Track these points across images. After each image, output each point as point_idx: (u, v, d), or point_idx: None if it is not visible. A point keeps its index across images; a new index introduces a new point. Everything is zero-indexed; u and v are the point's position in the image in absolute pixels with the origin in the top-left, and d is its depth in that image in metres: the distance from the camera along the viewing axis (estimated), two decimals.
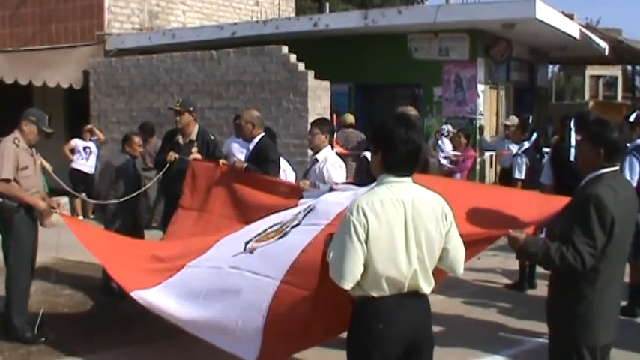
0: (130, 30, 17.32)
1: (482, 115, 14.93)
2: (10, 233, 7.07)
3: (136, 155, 9.29)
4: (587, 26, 21.75)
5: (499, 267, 9.97)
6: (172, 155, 8.58)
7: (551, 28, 14.47)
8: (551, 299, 4.49)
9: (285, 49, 12.70)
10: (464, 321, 7.86)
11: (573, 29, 16.08)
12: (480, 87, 14.81)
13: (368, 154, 4.89)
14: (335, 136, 9.90)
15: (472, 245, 4.38)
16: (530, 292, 9.01)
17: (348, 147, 12.48)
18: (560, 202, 4.98)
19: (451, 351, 6.51)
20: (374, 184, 3.80)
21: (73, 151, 14.96)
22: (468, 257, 3.97)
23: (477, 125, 14.64)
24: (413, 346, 3.70)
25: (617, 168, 4.39)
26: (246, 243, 6.02)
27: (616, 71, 35.03)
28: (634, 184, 7.16)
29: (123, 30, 17.16)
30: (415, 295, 3.69)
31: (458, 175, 13.34)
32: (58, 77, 15.16)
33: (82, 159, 14.94)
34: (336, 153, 7.93)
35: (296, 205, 6.50)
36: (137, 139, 9.31)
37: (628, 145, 7.53)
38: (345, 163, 7.74)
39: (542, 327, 4.85)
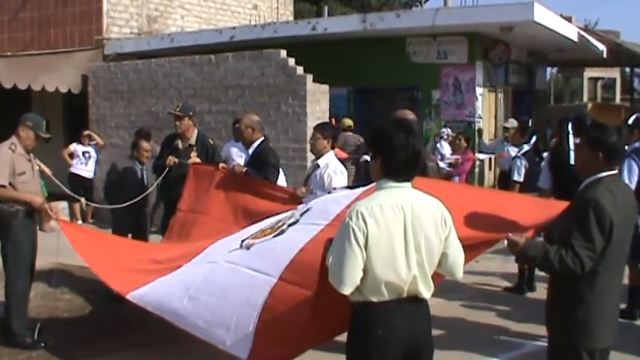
0: (128, 34, 17.32)
1: (480, 118, 14.93)
2: (8, 238, 7.07)
3: (143, 161, 9.29)
4: (586, 29, 21.82)
5: (498, 270, 9.97)
6: (172, 159, 8.59)
7: (550, 31, 14.48)
8: (551, 302, 4.49)
9: (283, 53, 12.71)
10: (463, 324, 7.86)
11: (571, 32, 16.10)
12: (479, 90, 14.82)
13: (368, 158, 4.91)
14: None
15: (471, 249, 4.38)
16: (529, 295, 9.00)
17: (346, 150, 12.49)
18: (559, 206, 4.98)
19: (450, 354, 6.51)
20: (372, 184, 3.80)
21: (72, 155, 14.96)
22: (467, 261, 3.97)
23: (476, 128, 14.64)
24: (413, 351, 3.70)
25: (615, 171, 4.40)
26: (243, 241, 6.02)
27: (614, 73, 35.11)
28: (633, 186, 7.16)
29: (121, 34, 17.17)
30: (415, 300, 3.69)
31: (456, 179, 13.35)
32: (56, 82, 15.16)
33: (81, 163, 14.94)
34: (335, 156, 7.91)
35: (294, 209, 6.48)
36: (145, 145, 9.31)
37: (627, 147, 7.54)
38: (344, 166, 7.72)
39: (542, 330, 4.86)
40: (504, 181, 10.45)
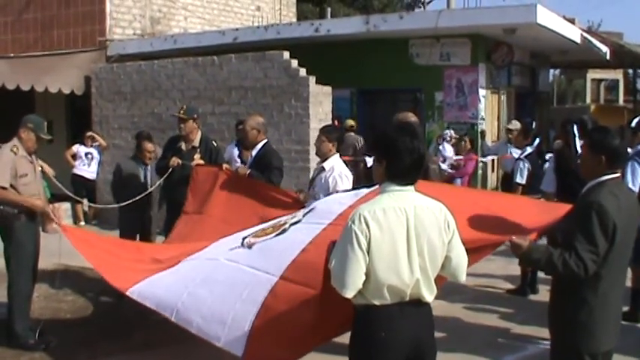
0: (131, 36, 17.33)
1: (483, 119, 14.92)
2: (10, 240, 7.08)
3: (146, 162, 9.31)
4: (589, 30, 21.81)
5: (500, 272, 9.96)
6: (175, 160, 8.60)
7: (553, 33, 14.47)
8: (553, 305, 4.50)
9: (286, 54, 12.71)
10: (465, 326, 7.86)
11: (574, 34, 16.09)
12: (482, 92, 14.81)
13: (369, 160, 4.86)
14: None
15: (475, 252, 4.40)
16: (532, 297, 8.99)
17: (343, 150, 12.46)
18: (561, 208, 5.00)
19: (453, 357, 6.51)
20: (375, 186, 3.80)
21: (74, 156, 14.98)
22: (470, 264, 3.98)
23: (479, 130, 14.63)
24: (415, 354, 3.70)
25: (618, 175, 4.41)
26: (244, 239, 6.02)
27: (617, 75, 35.11)
28: (636, 189, 7.15)
29: (124, 36, 17.18)
30: (417, 304, 3.69)
31: (459, 180, 13.34)
32: (59, 83, 15.17)
33: (84, 165, 14.96)
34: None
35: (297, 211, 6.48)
36: (149, 146, 9.32)
37: (630, 150, 7.54)
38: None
39: (545, 332, 4.85)
40: (507, 183, 10.43)
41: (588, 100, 36.31)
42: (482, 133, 14.79)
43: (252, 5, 21.24)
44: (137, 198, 8.84)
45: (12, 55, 17.47)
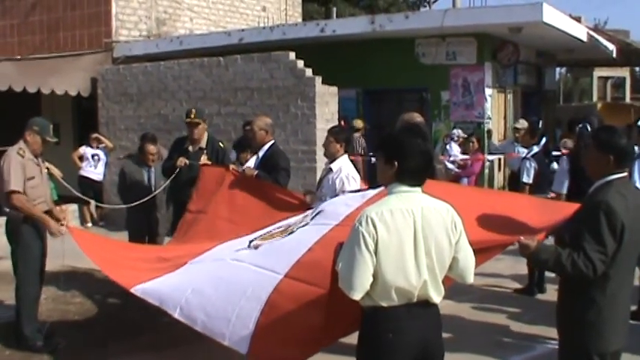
0: (137, 37, 17.35)
1: (490, 118, 14.90)
2: (18, 243, 7.10)
3: (150, 164, 9.33)
4: (595, 28, 21.77)
5: (508, 272, 9.94)
6: (182, 160, 8.60)
7: (559, 31, 14.45)
8: (561, 305, 4.49)
9: (292, 55, 12.71)
10: (473, 326, 7.85)
11: (581, 32, 16.05)
12: (488, 91, 14.78)
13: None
14: None
15: (482, 252, 4.39)
16: (539, 296, 8.97)
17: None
18: (569, 207, 4.98)
19: (460, 357, 6.49)
20: (381, 187, 3.79)
21: (81, 158, 15.00)
22: (478, 264, 3.98)
23: (485, 129, 14.61)
24: (423, 355, 3.70)
25: (625, 174, 4.39)
26: (250, 242, 6.02)
27: (624, 72, 34.99)
28: None
29: (130, 37, 17.19)
30: (425, 305, 3.69)
31: (465, 180, 13.31)
32: (66, 85, 15.20)
33: (91, 166, 14.98)
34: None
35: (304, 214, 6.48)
36: (151, 148, 9.34)
37: (637, 149, 7.52)
38: None
39: (553, 332, 4.84)
40: (514, 182, 10.41)
41: (595, 98, 36.18)
42: (489, 132, 14.77)
43: (258, 6, 21.25)
44: (145, 199, 8.87)
45: (18, 57, 17.50)
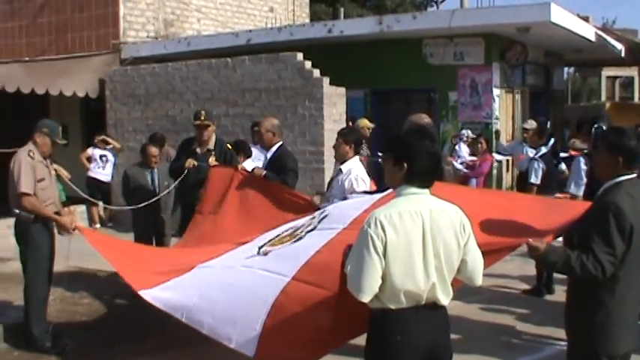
0: (145, 38, 17.36)
1: (497, 119, 14.88)
2: (27, 244, 7.12)
3: (152, 166, 9.36)
4: (603, 28, 21.71)
5: (516, 272, 9.91)
6: (190, 162, 8.59)
7: (567, 31, 14.41)
8: (570, 307, 4.48)
9: (300, 55, 12.71)
10: (481, 327, 7.84)
11: (589, 32, 16.01)
12: (496, 91, 14.76)
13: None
14: None
15: (491, 254, 4.38)
16: (548, 297, 8.96)
17: None
18: (578, 207, 4.97)
19: (468, 358, 6.50)
20: (389, 190, 3.79)
21: (89, 159, 15.02)
22: (486, 266, 3.97)
23: (493, 130, 14.58)
24: (431, 357, 3.70)
25: (634, 175, 4.37)
26: (260, 247, 6.02)
27: (632, 72, 34.84)
28: None
29: (138, 38, 17.21)
30: (433, 307, 3.69)
31: (474, 181, 13.29)
32: (74, 86, 15.22)
33: (99, 167, 14.99)
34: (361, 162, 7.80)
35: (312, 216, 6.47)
36: (153, 150, 9.41)
37: None
38: None
39: (561, 333, 4.82)
40: (522, 182, 10.39)
41: (603, 97, 36.06)
42: (497, 132, 14.75)
43: (266, 6, 21.24)
44: (152, 200, 8.93)
45: (27, 58, 17.52)
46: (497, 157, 14.19)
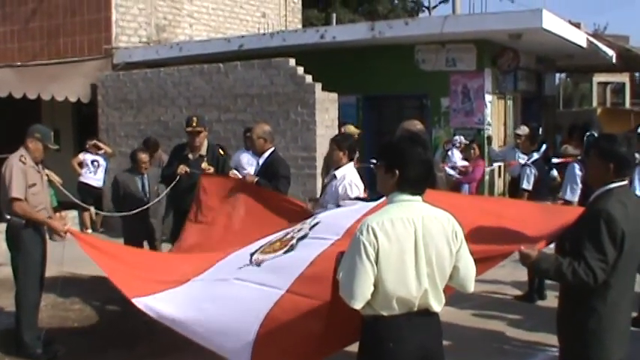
0: (137, 43, 17.34)
1: (489, 125, 14.89)
2: (18, 250, 7.11)
3: (142, 172, 9.37)
4: (595, 34, 21.79)
5: (508, 278, 9.92)
6: (182, 168, 8.60)
7: (558, 38, 14.44)
8: (562, 313, 4.49)
9: (292, 61, 12.71)
10: (473, 333, 7.83)
11: (580, 38, 16.06)
12: (488, 97, 14.76)
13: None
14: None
15: (483, 262, 4.38)
16: (540, 303, 8.97)
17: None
18: (570, 213, 4.97)
19: None
20: (382, 199, 3.79)
21: (81, 164, 15.00)
22: (479, 273, 3.98)
23: (485, 135, 14.60)
24: None
25: (626, 182, 4.40)
26: (252, 255, 6.01)
27: (624, 78, 34.99)
28: None
29: (130, 43, 17.19)
30: (425, 314, 3.69)
31: (466, 186, 13.30)
32: (66, 91, 15.18)
33: (90, 172, 14.98)
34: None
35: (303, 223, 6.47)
36: (143, 156, 9.44)
37: (637, 156, 7.49)
38: None
39: (553, 339, 4.84)
40: (514, 188, 10.41)
41: (595, 103, 36.19)
42: (489, 138, 14.76)
43: (258, 12, 21.25)
44: (143, 208, 8.90)
45: (18, 63, 17.50)
46: (488, 168, 14.22)
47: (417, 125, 6.96)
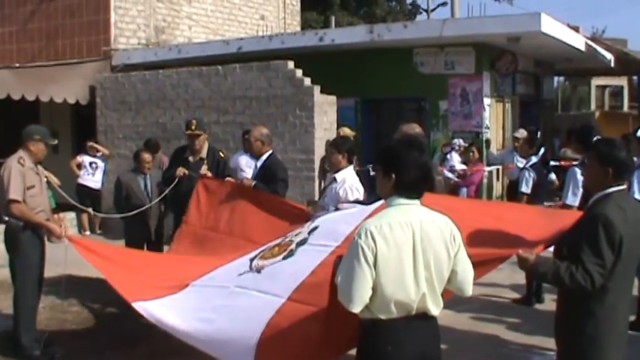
0: (136, 45, 17.35)
1: (488, 128, 14.89)
2: (16, 252, 7.10)
3: (145, 172, 9.36)
4: (593, 38, 21.79)
5: (506, 281, 9.91)
6: (181, 170, 8.61)
7: (557, 41, 14.46)
8: (560, 317, 4.49)
9: (291, 64, 12.73)
10: (471, 336, 7.84)
11: (579, 42, 16.07)
12: (486, 100, 14.78)
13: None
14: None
15: (481, 265, 4.39)
16: (538, 306, 8.98)
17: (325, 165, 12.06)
18: (568, 217, 4.98)
19: None
20: (379, 201, 3.79)
21: (79, 166, 15.00)
22: (477, 277, 3.98)
23: (484, 139, 14.60)
24: None
25: (624, 187, 4.40)
26: (251, 260, 6.02)
27: (622, 81, 35.00)
28: None
29: (129, 45, 17.19)
30: (424, 317, 3.69)
31: (464, 190, 13.30)
32: (64, 93, 15.18)
33: (89, 174, 14.99)
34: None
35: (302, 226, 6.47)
36: (146, 156, 9.42)
37: (635, 160, 7.50)
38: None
39: (551, 343, 4.84)
40: (513, 191, 10.41)
41: (593, 106, 36.22)
42: (487, 141, 14.77)
43: (257, 14, 21.25)
44: (142, 209, 8.90)
45: (17, 65, 17.49)
46: (487, 168, 14.21)
47: (415, 128, 6.95)
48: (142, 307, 5.85)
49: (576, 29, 17.43)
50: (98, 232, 15.23)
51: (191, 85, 14.03)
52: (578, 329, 4.28)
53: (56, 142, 7.73)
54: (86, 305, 8.94)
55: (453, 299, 4.24)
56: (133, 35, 17.40)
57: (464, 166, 13.57)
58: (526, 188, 9.34)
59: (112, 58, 16.74)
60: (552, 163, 12.53)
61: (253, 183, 7.96)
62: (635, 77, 29.71)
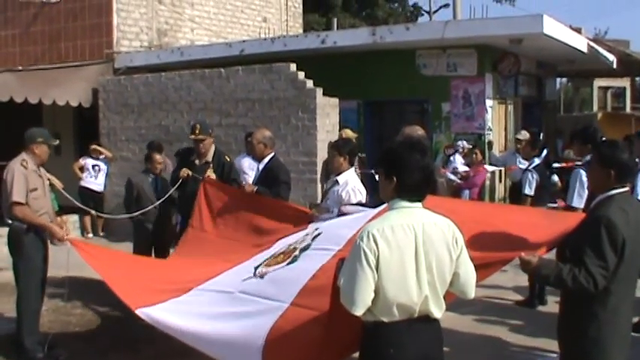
0: (138, 48, 17.36)
1: (490, 130, 14.89)
2: (20, 255, 7.11)
3: (156, 173, 9.37)
4: (595, 39, 21.81)
5: (509, 283, 9.91)
6: (185, 171, 8.62)
7: (559, 43, 14.45)
8: (563, 319, 4.50)
9: (293, 66, 12.73)
10: (474, 338, 7.83)
11: (581, 43, 16.07)
12: (489, 102, 14.77)
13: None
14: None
15: (483, 268, 4.38)
16: (540, 308, 8.97)
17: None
18: (571, 219, 4.97)
19: None
20: (382, 205, 3.80)
21: (82, 169, 15.01)
22: (479, 280, 3.98)
23: (486, 140, 14.60)
24: None
25: (627, 189, 4.41)
26: (256, 268, 6.02)
27: (624, 82, 35.00)
28: None
29: (132, 48, 17.21)
30: (426, 320, 3.69)
31: (467, 192, 13.29)
32: (67, 96, 15.19)
33: (91, 177, 14.99)
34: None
35: (305, 229, 6.48)
36: (158, 157, 9.41)
37: (638, 161, 7.48)
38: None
39: (554, 345, 4.84)
40: (515, 193, 10.39)
41: (595, 108, 36.18)
42: (490, 143, 14.76)
43: (259, 17, 21.27)
44: (146, 209, 8.93)
45: (20, 67, 17.50)
46: (489, 168, 14.20)
47: (418, 131, 6.94)
48: (144, 313, 5.85)
49: (578, 31, 17.45)
50: (101, 234, 15.24)
51: (193, 88, 14.04)
52: (580, 331, 4.28)
53: (58, 142, 7.75)
54: (89, 307, 8.95)
55: (455, 301, 4.25)
56: (135, 38, 17.42)
57: (466, 168, 13.56)
58: (529, 190, 9.34)
59: (114, 60, 16.75)
60: (555, 164, 12.52)
61: (255, 188, 7.96)
62: (637, 78, 29.76)
